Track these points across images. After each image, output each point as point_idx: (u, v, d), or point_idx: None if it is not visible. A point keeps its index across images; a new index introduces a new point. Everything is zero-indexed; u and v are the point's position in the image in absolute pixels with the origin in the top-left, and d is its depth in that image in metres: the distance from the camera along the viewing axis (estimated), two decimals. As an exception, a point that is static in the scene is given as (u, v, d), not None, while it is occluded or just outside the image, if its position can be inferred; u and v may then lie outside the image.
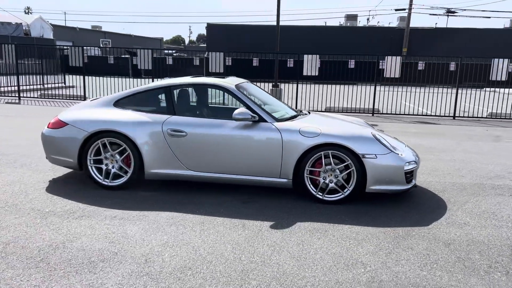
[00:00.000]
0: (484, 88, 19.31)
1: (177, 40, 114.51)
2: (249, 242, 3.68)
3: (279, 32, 14.38)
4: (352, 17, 40.57)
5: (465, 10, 49.03)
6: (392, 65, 13.24)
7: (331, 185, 4.67)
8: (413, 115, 13.69)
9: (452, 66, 26.28)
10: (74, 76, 19.15)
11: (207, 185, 5.19)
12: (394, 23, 39.16)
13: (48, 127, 5.23)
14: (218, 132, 4.79)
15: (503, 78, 13.04)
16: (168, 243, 3.61)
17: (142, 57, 14.18)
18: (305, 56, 13.42)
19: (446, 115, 13.63)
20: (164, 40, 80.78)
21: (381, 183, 4.61)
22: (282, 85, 16.80)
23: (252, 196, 4.91)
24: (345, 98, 16.53)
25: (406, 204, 4.79)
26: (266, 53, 13.92)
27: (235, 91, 4.98)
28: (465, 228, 4.14)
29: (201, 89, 5.54)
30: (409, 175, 4.74)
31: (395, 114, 13.69)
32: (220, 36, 38.48)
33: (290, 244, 3.66)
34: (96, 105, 5.24)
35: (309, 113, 5.59)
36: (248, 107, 4.85)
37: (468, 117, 13.50)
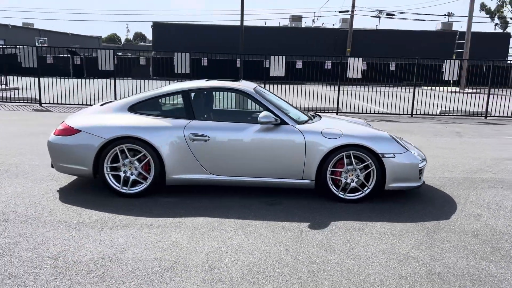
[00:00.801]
0: (422, 87, 20.62)
1: (113, 38, 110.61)
2: (298, 243, 3.77)
3: (243, 32, 14.45)
4: (296, 18, 41.50)
5: (402, 13, 51.81)
6: (354, 66, 13.79)
7: (353, 184, 4.87)
8: (374, 113, 14.34)
9: (393, 66, 27.75)
10: (15, 77, 18.05)
11: (226, 189, 5.20)
12: (337, 25, 40.54)
13: (55, 134, 4.97)
14: (241, 136, 4.82)
15: (455, 78, 14.02)
16: (221, 249, 3.61)
17: (103, 57, 13.67)
18: (272, 58, 13.61)
19: (404, 113, 14.42)
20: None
21: (398, 181, 4.87)
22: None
23: (274, 198, 4.99)
24: (305, 98, 16.94)
25: (417, 200, 5.09)
26: (233, 54, 13.92)
27: (255, 95, 5.03)
28: (481, 219, 4.49)
29: (218, 93, 5.52)
30: (420, 172, 5.04)
31: (357, 113, 14.27)
32: (167, 35, 37.80)
33: (338, 244, 3.79)
34: (109, 110, 5.06)
35: (319, 115, 5.75)
36: (269, 111, 4.92)
37: (423, 114, 14.37)
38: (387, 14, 35.88)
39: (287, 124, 4.90)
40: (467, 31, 28.35)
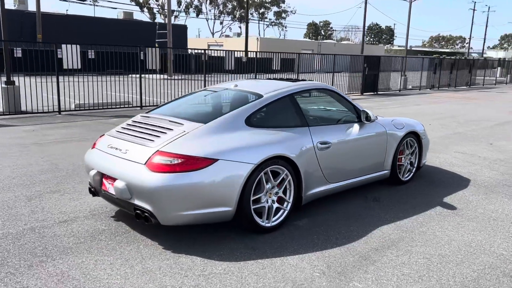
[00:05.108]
0: (125, 75, 21.43)
1: None
2: (487, 233, 4.04)
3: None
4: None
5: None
6: (69, 55, 11.98)
7: (409, 167, 5.47)
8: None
9: (91, 54, 27.23)
10: None
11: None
12: (15, 6, 34.85)
13: (163, 171, 3.26)
14: (350, 137, 4.56)
15: (157, 67, 15.17)
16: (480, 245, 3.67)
17: None
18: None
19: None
20: None
21: (425, 157, 5.82)
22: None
23: (366, 193, 4.99)
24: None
25: (432, 175, 6.16)
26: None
27: (341, 93, 4.79)
28: (499, 177, 5.99)
29: (308, 94, 4.82)
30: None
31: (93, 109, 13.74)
32: None
33: (501, 226, 4.32)
34: (223, 127, 3.67)
35: None
36: (357, 109, 4.82)
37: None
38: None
39: (372, 120, 4.94)
40: (168, 23, 30.46)
